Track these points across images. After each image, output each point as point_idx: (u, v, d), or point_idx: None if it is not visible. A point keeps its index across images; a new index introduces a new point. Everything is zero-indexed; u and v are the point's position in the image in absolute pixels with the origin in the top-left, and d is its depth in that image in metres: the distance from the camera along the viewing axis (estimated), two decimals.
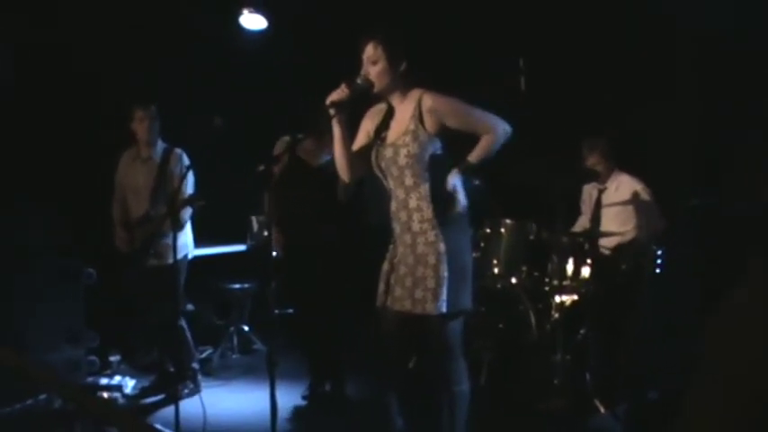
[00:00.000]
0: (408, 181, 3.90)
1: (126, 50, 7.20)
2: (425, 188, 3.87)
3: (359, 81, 3.86)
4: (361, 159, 4.06)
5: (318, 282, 5.62)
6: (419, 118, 3.85)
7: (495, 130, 3.81)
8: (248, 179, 4.27)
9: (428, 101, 3.85)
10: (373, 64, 3.88)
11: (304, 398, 5.86)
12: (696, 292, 3.68)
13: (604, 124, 6.41)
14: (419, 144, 3.83)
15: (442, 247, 3.82)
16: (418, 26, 5.18)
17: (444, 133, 3.87)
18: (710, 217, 3.99)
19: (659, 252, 5.44)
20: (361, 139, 4.10)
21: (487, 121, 3.83)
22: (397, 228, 3.98)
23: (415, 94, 3.91)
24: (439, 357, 3.91)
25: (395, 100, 3.97)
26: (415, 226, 3.89)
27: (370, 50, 3.89)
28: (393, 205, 3.99)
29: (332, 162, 5.50)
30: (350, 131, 4.04)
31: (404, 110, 3.94)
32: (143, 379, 6.32)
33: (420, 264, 3.85)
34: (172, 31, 7.27)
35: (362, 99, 3.90)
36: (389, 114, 3.97)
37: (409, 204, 3.91)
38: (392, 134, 3.93)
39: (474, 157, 3.82)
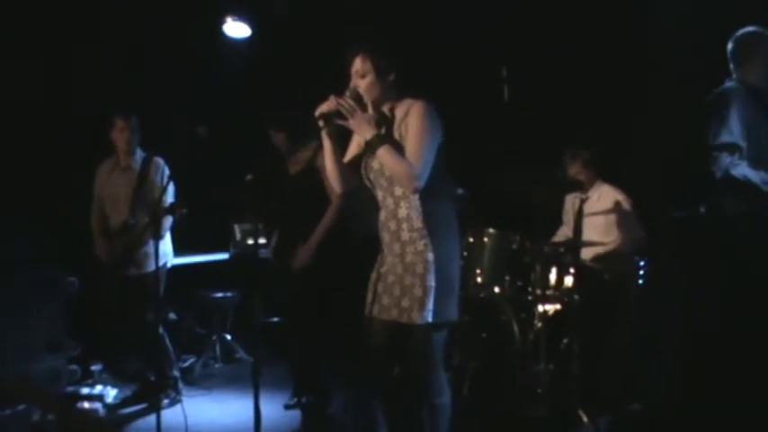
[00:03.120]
0: (398, 191, 3.90)
1: (109, 59, 7.19)
2: (415, 198, 3.87)
3: (348, 94, 3.86)
4: (353, 170, 4.07)
5: (305, 291, 5.59)
6: (404, 126, 3.86)
7: (413, 169, 3.74)
8: (235, 188, 4.28)
9: (412, 112, 3.85)
10: (362, 77, 3.89)
11: (287, 407, 5.85)
12: (679, 304, 3.69)
13: (587, 134, 6.42)
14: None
15: (430, 256, 3.82)
16: (401, 36, 5.18)
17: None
18: (693, 228, 4.01)
19: (641, 263, 5.46)
20: (352, 150, 4.11)
21: (419, 158, 3.76)
22: (386, 237, 3.98)
23: (405, 104, 3.91)
24: (420, 368, 3.90)
25: (386, 111, 3.98)
26: (405, 235, 3.89)
27: (358, 64, 3.90)
28: (382, 215, 4.00)
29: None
30: (342, 142, 4.05)
31: (393, 120, 3.94)
32: (125, 388, 6.29)
33: (408, 273, 3.85)
34: (155, 40, 7.26)
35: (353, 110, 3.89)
36: (379, 125, 3.97)
37: (399, 214, 3.91)
38: None
39: (385, 146, 3.79)
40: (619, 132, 6.42)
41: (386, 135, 3.88)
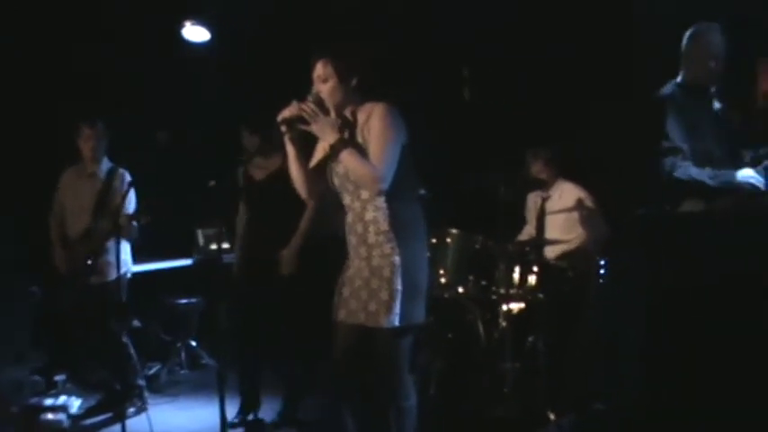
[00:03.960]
0: (364, 194, 3.90)
1: (68, 64, 7.14)
2: (381, 200, 3.86)
3: (310, 99, 3.86)
4: (320, 175, 4.07)
5: (272, 296, 5.55)
6: (367, 129, 3.86)
7: (376, 171, 3.76)
8: (198, 193, 4.26)
9: (373, 114, 3.85)
10: (323, 82, 3.89)
11: (231, 425, 5.55)
12: (641, 303, 3.72)
13: (549, 132, 6.45)
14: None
15: (397, 259, 3.82)
16: (360, 37, 5.18)
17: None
18: (656, 226, 4.02)
19: (602, 262, 5.49)
20: (318, 155, 4.10)
21: (382, 160, 3.77)
22: (353, 240, 3.97)
23: (367, 107, 3.91)
24: (387, 372, 3.91)
25: (348, 115, 3.97)
26: (371, 238, 3.89)
27: (319, 69, 3.90)
28: (349, 218, 3.99)
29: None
30: (306, 148, 4.04)
31: (355, 124, 3.94)
32: (89, 398, 6.22)
33: (375, 276, 3.85)
34: (116, 45, 7.21)
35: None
36: (342, 129, 3.96)
37: (365, 217, 3.91)
38: None
39: (348, 149, 3.80)
40: (582, 129, 6.45)
41: (349, 139, 3.88)
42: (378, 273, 3.84)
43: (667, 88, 4.44)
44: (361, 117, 3.92)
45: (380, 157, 3.78)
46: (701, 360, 3.71)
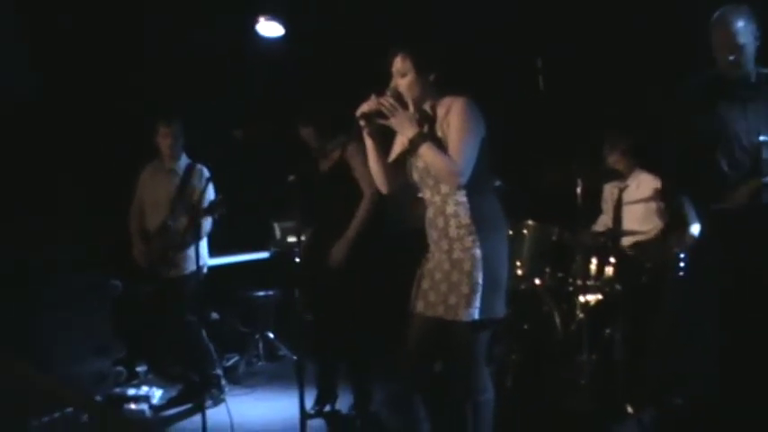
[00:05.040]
0: (444, 188, 3.90)
1: (147, 63, 7.26)
2: (462, 194, 3.87)
3: (388, 93, 3.88)
4: (399, 169, 4.09)
5: (340, 289, 5.57)
6: (447, 123, 3.87)
7: (455, 165, 3.77)
8: (277, 188, 4.29)
9: (453, 109, 3.86)
10: (402, 76, 3.91)
11: (308, 416, 5.23)
12: (718, 300, 3.66)
13: (626, 122, 6.37)
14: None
15: (478, 252, 3.82)
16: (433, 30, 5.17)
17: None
18: (739, 223, 3.94)
19: (681, 255, 5.39)
20: (396, 149, 4.11)
21: (461, 154, 3.78)
22: (433, 234, 3.98)
23: (446, 102, 3.92)
24: (465, 366, 3.91)
25: (427, 109, 3.98)
26: (453, 231, 3.89)
27: (398, 63, 3.92)
28: (430, 212, 3.99)
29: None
30: (384, 142, 4.06)
31: (434, 118, 3.95)
32: (170, 389, 6.35)
33: (455, 269, 3.85)
34: (187, 42, 7.30)
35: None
36: (421, 123, 3.97)
37: (446, 210, 3.91)
38: None
39: (427, 143, 3.81)
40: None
41: (428, 133, 3.89)
42: (458, 266, 3.84)
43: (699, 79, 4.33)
44: (440, 111, 3.92)
45: (460, 152, 3.79)
46: None
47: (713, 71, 4.33)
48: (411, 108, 3.94)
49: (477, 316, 3.78)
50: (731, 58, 4.19)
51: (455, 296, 3.82)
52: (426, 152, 3.82)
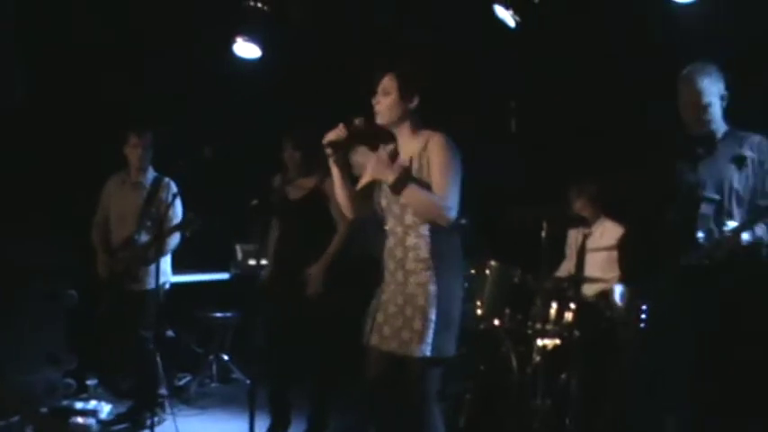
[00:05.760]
0: (408, 220, 3.91)
1: (119, 76, 7.23)
2: (425, 228, 3.87)
3: (357, 123, 3.88)
4: (365, 198, 4.09)
5: (298, 314, 5.55)
6: (426, 159, 3.87)
7: (444, 202, 3.78)
8: (240, 211, 4.28)
9: (432, 145, 3.87)
10: (385, 95, 3.92)
11: None
12: (681, 351, 3.69)
13: (593, 168, 6.41)
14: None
15: (433, 288, 3.83)
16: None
17: None
18: (699, 275, 3.97)
19: (644, 307, 5.41)
20: (365, 178, 4.11)
21: (448, 191, 3.80)
22: (390, 265, 3.98)
23: (425, 134, 3.93)
24: (415, 402, 3.90)
25: (402, 137, 3.99)
26: (410, 264, 3.90)
27: (386, 82, 3.93)
28: (390, 242, 4.00)
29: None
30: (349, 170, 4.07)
31: (410, 149, 3.95)
32: (119, 405, 6.26)
33: (409, 304, 3.85)
34: (165, 59, 7.29)
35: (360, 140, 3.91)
36: (395, 153, 3.98)
37: (407, 242, 3.92)
38: None
39: (410, 186, 3.80)
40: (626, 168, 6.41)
41: (408, 174, 3.86)
42: (412, 301, 3.85)
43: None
44: (419, 141, 3.92)
45: (446, 188, 3.80)
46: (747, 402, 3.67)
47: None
48: (386, 148, 3.92)
49: (428, 353, 3.77)
50: (694, 116, 4.21)
51: (408, 331, 3.82)
52: (411, 195, 3.81)
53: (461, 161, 3.90)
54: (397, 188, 3.81)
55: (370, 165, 3.89)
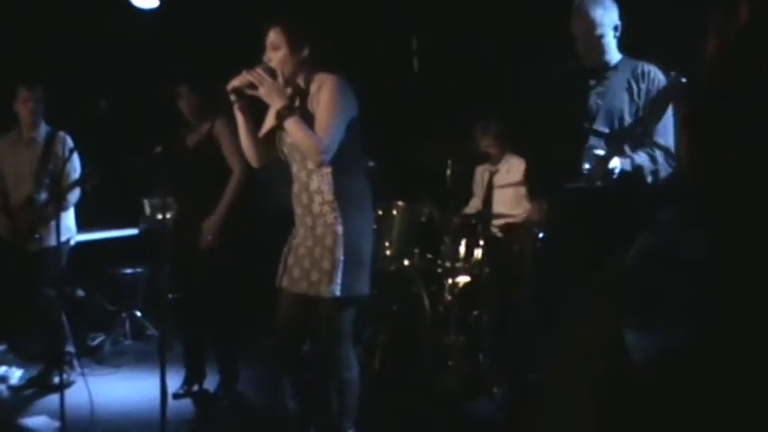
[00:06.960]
0: (311, 164, 3.90)
1: (10, 29, 7.00)
2: (327, 171, 3.87)
3: (260, 67, 3.83)
4: (269, 144, 4.06)
5: (210, 266, 5.49)
6: (317, 101, 3.86)
7: (320, 142, 3.76)
8: (144, 160, 4.19)
9: (324, 86, 3.85)
10: (275, 50, 3.88)
11: (175, 396, 5.47)
12: (573, 275, 3.72)
13: (498, 105, 6.44)
14: None
15: (339, 229, 3.85)
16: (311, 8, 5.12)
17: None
18: (590, 200, 4.00)
19: (540, 235, 5.47)
20: (268, 124, 4.08)
21: (327, 132, 3.78)
22: (298, 210, 3.99)
23: (319, 78, 3.91)
24: (328, 342, 3.93)
25: (300, 84, 3.97)
26: (316, 208, 3.91)
27: (272, 36, 3.89)
28: (296, 187, 4.00)
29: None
30: (256, 118, 4.02)
31: (307, 94, 3.94)
32: (30, 369, 6.13)
33: (318, 245, 3.88)
34: (58, 10, 7.08)
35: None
36: (292, 98, 3.94)
37: (310, 186, 3.92)
38: None
39: (293, 117, 3.80)
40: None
41: (297, 107, 3.89)
42: (320, 242, 3.87)
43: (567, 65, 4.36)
44: (313, 87, 3.93)
45: (326, 129, 3.79)
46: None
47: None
48: (280, 80, 3.90)
49: (338, 293, 3.80)
50: (587, 47, 4.18)
51: (317, 272, 3.85)
52: (292, 126, 3.80)
53: (354, 104, 3.91)
54: (282, 117, 3.80)
55: (263, 93, 3.83)
